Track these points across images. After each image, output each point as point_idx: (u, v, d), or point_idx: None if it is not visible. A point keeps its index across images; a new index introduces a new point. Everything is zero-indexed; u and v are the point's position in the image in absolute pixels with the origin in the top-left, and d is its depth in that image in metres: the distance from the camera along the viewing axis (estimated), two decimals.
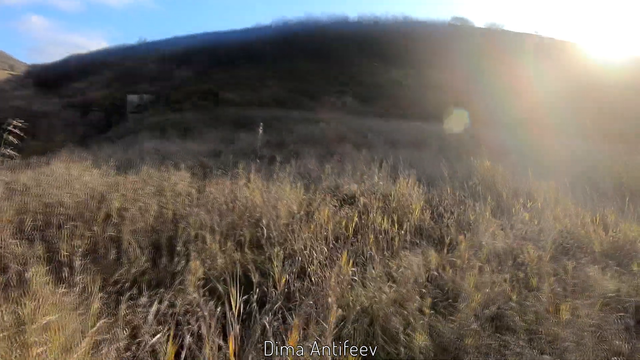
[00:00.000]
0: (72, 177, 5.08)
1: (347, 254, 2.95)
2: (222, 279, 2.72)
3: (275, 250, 3.01)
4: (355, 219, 3.81)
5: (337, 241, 3.49)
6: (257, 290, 2.62)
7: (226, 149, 10.76)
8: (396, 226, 3.62)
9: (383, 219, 3.70)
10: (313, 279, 2.84)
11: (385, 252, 3.38)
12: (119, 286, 2.76)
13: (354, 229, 3.73)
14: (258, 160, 6.65)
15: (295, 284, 2.80)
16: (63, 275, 2.68)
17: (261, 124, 7.49)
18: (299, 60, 37.72)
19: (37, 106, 33.69)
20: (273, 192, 4.26)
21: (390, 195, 4.49)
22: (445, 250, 3.43)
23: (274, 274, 2.83)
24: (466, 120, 20.16)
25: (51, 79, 40.87)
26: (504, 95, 24.49)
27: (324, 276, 2.80)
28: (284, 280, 2.78)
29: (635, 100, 22.91)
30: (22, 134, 3.83)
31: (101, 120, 30.56)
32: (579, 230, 4.06)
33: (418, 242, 3.62)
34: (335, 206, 4.07)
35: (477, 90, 26.43)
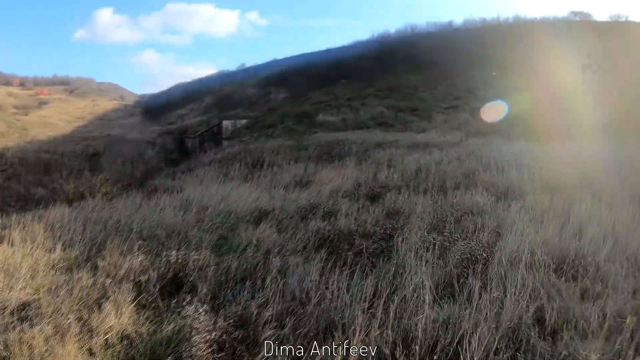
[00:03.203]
0: None
1: None
2: None
3: None
4: None
5: None
6: None
7: (285, 204, 6.68)
8: None
9: None
10: None
11: None
12: None
13: None
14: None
15: None
16: None
17: None
18: (403, 74, 33.13)
19: (134, 134, 34.50)
20: None
21: None
22: None
23: None
24: None
25: (156, 107, 42.52)
26: None
27: None
28: None
29: None
30: None
31: (195, 147, 30.45)
32: None
33: None
34: None
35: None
